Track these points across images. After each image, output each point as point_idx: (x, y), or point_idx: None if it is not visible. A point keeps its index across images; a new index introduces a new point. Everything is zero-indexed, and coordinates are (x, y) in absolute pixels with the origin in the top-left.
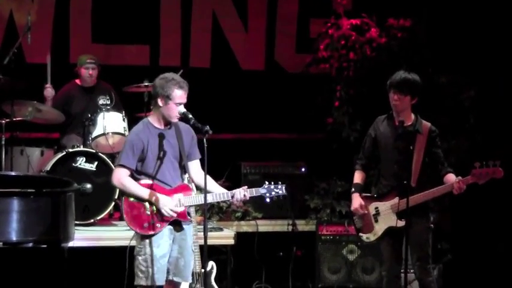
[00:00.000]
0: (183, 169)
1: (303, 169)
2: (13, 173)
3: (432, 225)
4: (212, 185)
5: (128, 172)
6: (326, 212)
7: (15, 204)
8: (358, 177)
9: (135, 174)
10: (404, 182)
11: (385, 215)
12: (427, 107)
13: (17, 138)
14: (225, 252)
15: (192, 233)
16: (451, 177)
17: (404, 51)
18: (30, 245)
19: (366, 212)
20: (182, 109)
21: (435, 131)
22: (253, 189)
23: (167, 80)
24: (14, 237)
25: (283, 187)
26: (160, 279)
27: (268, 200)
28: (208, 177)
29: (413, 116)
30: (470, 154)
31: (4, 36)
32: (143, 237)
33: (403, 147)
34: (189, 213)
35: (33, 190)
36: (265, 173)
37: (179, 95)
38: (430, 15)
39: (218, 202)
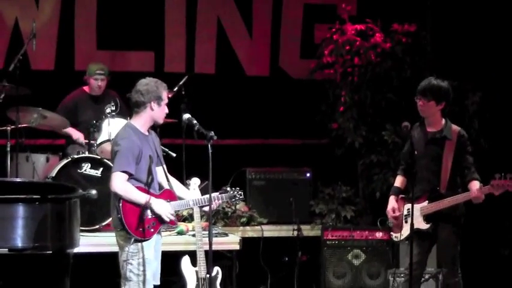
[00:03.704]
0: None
1: (308, 174)
2: (18, 180)
3: (460, 230)
4: (183, 191)
5: (127, 177)
6: (331, 217)
7: (20, 210)
8: (397, 181)
9: (129, 180)
10: (437, 188)
11: (414, 217)
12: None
13: (22, 145)
14: (230, 257)
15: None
16: (474, 185)
17: (409, 56)
18: (36, 251)
19: (398, 214)
20: (187, 115)
21: (464, 136)
22: (222, 195)
23: (153, 84)
24: (19, 244)
25: (242, 192)
26: (150, 283)
27: (232, 204)
28: (177, 182)
29: (443, 121)
30: (475, 159)
31: (9, 43)
32: (137, 241)
33: (433, 153)
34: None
35: (38, 196)
36: (270, 178)
37: (166, 95)
38: (435, 20)
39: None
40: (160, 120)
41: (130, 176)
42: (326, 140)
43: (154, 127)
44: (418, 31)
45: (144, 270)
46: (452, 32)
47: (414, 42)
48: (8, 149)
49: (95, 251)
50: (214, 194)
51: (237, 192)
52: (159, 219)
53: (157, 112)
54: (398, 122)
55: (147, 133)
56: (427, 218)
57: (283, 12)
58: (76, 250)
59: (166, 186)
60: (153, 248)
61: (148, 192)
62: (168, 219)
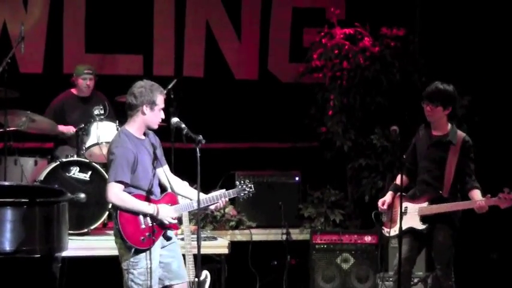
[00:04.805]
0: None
1: (297, 178)
2: (6, 183)
3: (456, 233)
4: (189, 190)
5: (123, 187)
6: (320, 220)
7: (8, 214)
8: (398, 178)
9: (125, 188)
10: (440, 192)
11: (411, 216)
12: (420, 116)
13: (10, 148)
14: (219, 261)
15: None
16: (475, 194)
17: (398, 60)
18: (24, 254)
19: (386, 208)
20: (175, 119)
21: (468, 142)
22: (230, 191)
23: (148, 87)
24: (7, 247)
25: (252, 185)
26: None
27: (241, 199)
28: (183, 182)
29: (449, 125)
30: None
31: None
32: (137, 251)
33: (435, 157)
34: (179, 220)
35: (26, 200)
36: (259, 182)
37: (162, 99)
38: (423, 25)
39: (207, 212)
40: (154, 126)
41: (128, 185)
42: (315, 143)
43: None
44: (407, 35)
45: (146, 280)
46: (440, 36)
47: (403, 46)
48: None
49: (83, 254)
50: (221, 191)
51: (247, 185)
52: (160, 225)
53: (150, 117)
54: (387, 125)
55: (142, 137)
56: (423, 218)
57: (272, 16)
58: (64, 254)
59: (172, 185)
60: (158, 255)
61: (147, 199)
62: (168, 223)
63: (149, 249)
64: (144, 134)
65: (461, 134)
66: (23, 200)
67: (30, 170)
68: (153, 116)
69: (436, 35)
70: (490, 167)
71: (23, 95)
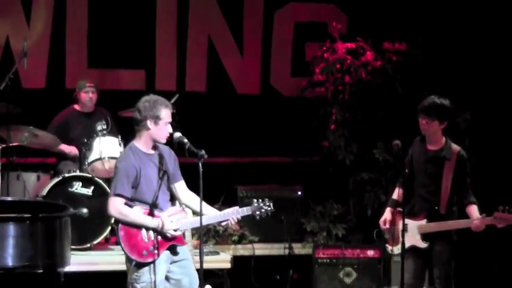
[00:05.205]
0: (170, 192)
1: (299, 192)
2: (9, 198)
3: (454, 246)
4: (204, 206)
5: (123, 201)
6: (322, 235)
7: (11, 229)
8: (395, 193)
9: (129, 202)
10: (436, 208)
11: (411, 233)
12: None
13: (13, 163)
14: (221, 275)
15: (189, 252)
16: (472, 210)
17: (400, 74)
18: (26, 270)
19: (389, 226)
20: (178, 133)
21: (463, 156)
22: (244, 208)
23: (152, 101)
24: (9, 263)
25: (271, 203)
26: None
27: (258, 217)
28: (195, 196)
29: (443, 139)
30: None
31: (0, 61)
32: (140, 265)
33: (431, 172)
34: (183, 236)
35: (29, 215)
36: (261, 196)
37: (167, 114)
38: (425, 39)
39: (214, 225)
40: (161, 140)
41: (129, 199)
42: (317, 157)
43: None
44: (409, 49)
45: None
46: (442, 50)
47: (405, 60)
48: None
49: (85, 269)
50: (235, 208)
51: (265, 203)
52: (164, 239)
53: (155, 131)
54: (389, 139)
55: (151, 151)
56: (424, 236)
57: (274, 31)
58: (67, 269)
59: (187, 201)
60: (163, 269)
61: (151, 213)
62: (170, 236)
63: (152, 263)
64: (155, 148)
65: (456, 148)
66: (26, 215)
67: (33, 185)
68: (157, 130)
69: (438, 49)
70: (492, 180)
71: (25, 110)
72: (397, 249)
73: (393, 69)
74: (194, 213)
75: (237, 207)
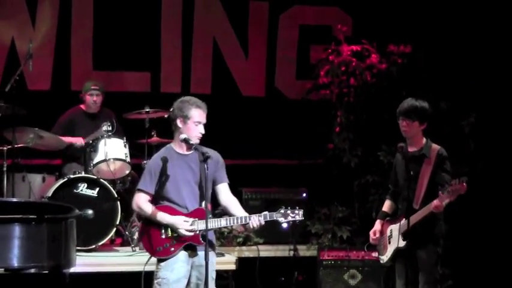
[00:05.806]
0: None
1: (304, 195)
2: (15, 200)
3: (440, 250)
4: (236, 208)
5: (146, 197)
6: (327, 237)
7: (16, 230)
8: (385, 205)
9: (154, 197)
10: (411, 204)
11: (395, 236)
12: (426, 133)
13: (18, 165)
14: (226, 277)
15: (214, 260)
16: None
17: (405, 77)
18: (32, 271)
19: (378, 237)
20: (183, 135)
21: (442, 154)
22: (269, 213)
23: (185, 101)
24: (15, 264)
25: (301, 212)
26: None
27: (285, 225)
28: (234, 200)
29: (424, 140)
30: (470, 180)
31: (6, 63)
32: (159, 261)
33: (412, 172)
34: (203, 238)
35: (34, 216)
36: (266, 199)
37: (197, 114)
38: (430, 41)
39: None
40: (193, 139)
41: (155, 195)
42: (322, 160)
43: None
44: (414, 52)
45: None
46: (447, 52)
47: (410, 63)
48: (5, 169)
49: (91, 270)
50: (262, 214)
51: (293, 211)
52: (181, 238)
53: (184, 130)
54: (393, 142)
55: (186, 152)
56: (404, 236)
57: (279, 33)
58: (72, 270)
59: (227, 204)
60: (181, 268)
61: (168, 211)
62: (183, 235)
63: (167, 259)
64: (195, 148)
65: (436, 147)
66: (31, 216)
67: (38, 186)
68: (186, 129)
69: (443, 52)
70: (498, 184)
71: (30, 112)
72: (386, 257)
73: (398, 72)
74: (226, 213)
75: (265, 212)
